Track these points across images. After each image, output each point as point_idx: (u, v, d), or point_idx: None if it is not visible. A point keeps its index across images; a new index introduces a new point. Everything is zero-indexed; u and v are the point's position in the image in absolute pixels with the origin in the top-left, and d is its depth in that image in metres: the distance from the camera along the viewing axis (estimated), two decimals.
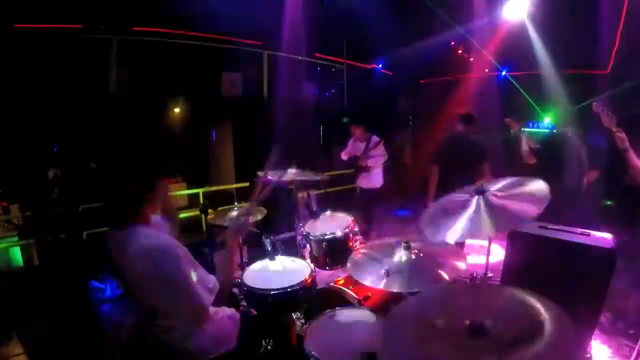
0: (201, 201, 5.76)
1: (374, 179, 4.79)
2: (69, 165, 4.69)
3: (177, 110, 6.71)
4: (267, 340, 1.84)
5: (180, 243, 1.51)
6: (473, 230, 1.68)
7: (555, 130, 3.50)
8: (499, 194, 1.84)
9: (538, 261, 2.25)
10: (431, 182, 3.83)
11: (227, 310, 1.79)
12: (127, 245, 1.42)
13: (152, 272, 1.41)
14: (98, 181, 4.21)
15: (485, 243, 2.65)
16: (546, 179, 3.29)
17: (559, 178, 3.16)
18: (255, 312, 2.05)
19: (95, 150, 4.92)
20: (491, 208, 1.74)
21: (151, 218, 1.59)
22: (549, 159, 3.28)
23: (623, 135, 2.31)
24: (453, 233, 1.69)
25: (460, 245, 3.10)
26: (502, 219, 1.70)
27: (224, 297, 1.69)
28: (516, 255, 2.40)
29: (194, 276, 1.47)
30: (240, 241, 2.04)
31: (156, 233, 1.51)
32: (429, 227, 1.80)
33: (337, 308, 1.96)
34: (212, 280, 1.56)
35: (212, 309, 1.67)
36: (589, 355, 2.31)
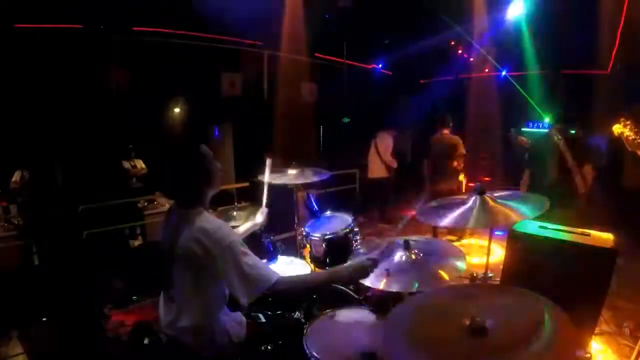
0: None
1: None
2: (71, 163, 4.69)
3: (176, 110, 6.70)
4: (266, 341, 1.84)
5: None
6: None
7: (547, 130, 3.56)
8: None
9: (538, 261, 2.25)
10: None
11: (233, 314, 1.78)
12: (188, 225, 1.54)
13: (211, 248, 1.47)
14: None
15: (485, 243, 2.65)
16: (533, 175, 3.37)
17: (544, 176, 3.22)
18: (256, 313, 2.05)
19: (93, 148, 4.93)
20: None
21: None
22: (536, 158, 3.38)
23: None
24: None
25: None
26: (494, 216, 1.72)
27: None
28: (516, 255, 2.40)
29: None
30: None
31: (215, 219, 1.61)
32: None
33: (337, 308, 1.97)
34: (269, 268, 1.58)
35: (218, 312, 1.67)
36: (589, 355, 2.31)
